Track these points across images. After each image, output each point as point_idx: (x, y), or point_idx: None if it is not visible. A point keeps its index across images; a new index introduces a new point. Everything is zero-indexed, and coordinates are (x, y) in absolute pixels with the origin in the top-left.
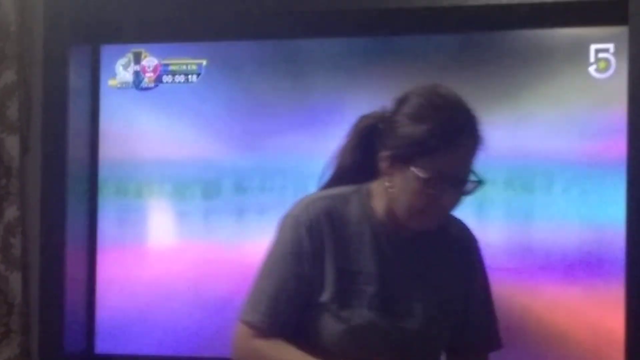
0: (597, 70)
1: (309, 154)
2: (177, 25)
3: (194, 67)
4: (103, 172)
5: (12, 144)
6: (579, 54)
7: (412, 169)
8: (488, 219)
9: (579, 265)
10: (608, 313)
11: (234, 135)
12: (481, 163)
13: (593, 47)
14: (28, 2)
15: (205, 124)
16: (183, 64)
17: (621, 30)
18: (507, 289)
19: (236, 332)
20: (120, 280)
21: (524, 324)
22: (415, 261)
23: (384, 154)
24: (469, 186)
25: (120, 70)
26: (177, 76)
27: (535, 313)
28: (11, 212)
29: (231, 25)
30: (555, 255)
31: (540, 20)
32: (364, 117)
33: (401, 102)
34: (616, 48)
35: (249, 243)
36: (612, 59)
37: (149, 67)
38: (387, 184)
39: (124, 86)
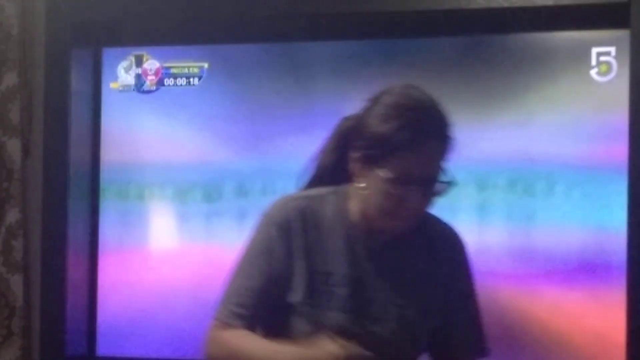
0: (599, 73)
1: (311, 156)
2: (179, 28)
3: (196, 70)
4: (104, 175)
5: (14, 147)
6: (580, 57)
7: (379, 169)
8: (489, 222)
9: (581, 269)
10: (609, 317)
11: (236, 138)
12: (483, 166)
13: (594, 51)
14: (30, 5)
15: (207, 127)
16: (185, 67)
17: (623, 34)
18: (508, 293)
19: (208, 328)
20: (122, 283)
21: (525, 328)
22: (391, 265)
23: (354, 155)
24: (439, 187)
25: (122, 73)
26: (178, 79)
27: (536, 317)
28: (13, 215)
29: (233, 28)
30: (557, 259)
31: (542, 23)
32: (345, 119)
33: (372, 102)
34: (618, 51)
35: None
36: (614, 62)
37: (150, 70)
38: (358, 185)
39: (125, 89)
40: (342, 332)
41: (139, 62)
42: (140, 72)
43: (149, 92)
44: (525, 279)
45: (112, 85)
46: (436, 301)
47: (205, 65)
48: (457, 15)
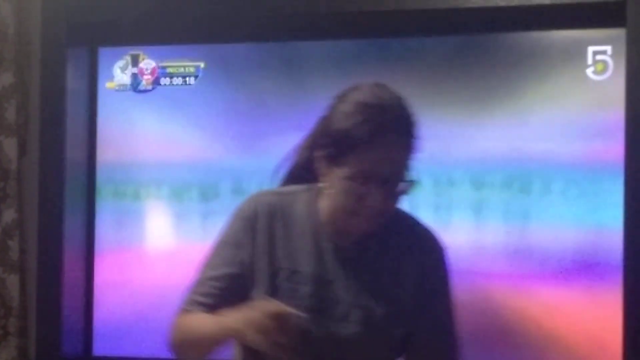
0: (595, 72)
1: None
2: (175, 28)
3: (192, 69)
4: (101, 174)
5: (10, 146)
6: (576, 56)
7: (339, 168)
8: (485, 221)
9: (577, 268)
10: (605, 316)
11: (232, 138)
12: (479, 164)
13: (591, 49)
14: (25, 5)
15: (203, 127)
16: (181, 66)
17: (619, 33)
18: (504, 292)
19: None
20: (118, 282)
21: (521, 327)
22: (358, 265)
23: (318, 153)
24: (401, 187)
25: (117, 72)
26: (174, 78)
27: (532, 316)
28: (9, 215)
29: (229, 28)
30: (553, 258)
31: (538, 22)
32: (321, 117)
33: (338, 99)
34: (614, 50)
35: None
36: (610, 61)
37: (146, 70)
38: (323, 184)
39: (121, 89)
40: (303, 332)
41: (134, 61)
42: (136, 71)
43: (145, 91)
44: (521, 277)
45: (108, 84)
46: (405, 305)
47: (201, 64)
48: (453, 14)
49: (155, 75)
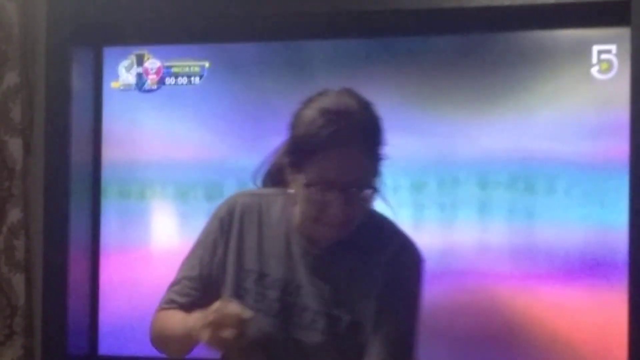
0: (600, 71)
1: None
2: (180, 27)
3: (197, 69)
4: (106, 174)
5: (15, 146)
6: (581, 55)
7: (300, 174)
8: (490, 220)
9: (582, 267)
10: (611, 315)
11: (237, 137)
12: (484, 164)
13: (595, 48)
14: (31, 4)
15: (208, 126)
16: (186, 66)
17: (624, 32)
18: (509, 291)
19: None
20: (124, 281)
21: (526, 326)
22: (326, 273)
23: (283, 160)
24: (365, 195)
25: (122, 72)
26: (179, 78)
27: (538, 315)
28: (14, 214)
29: (234, 27)
30: (558, 257)
31: (543, 21)
32: None
33: (303, 105)
34: (618, 49)
35: None
36: (615, 60)
37: (151, 69)
38: (290, 191)
39: (126, 88)
40: (264, 336)
41: (139, 61)
42: (141, 71)
43: (150, 91)
44: (526, 276)
45: (113, 84)
46: (369, 315)
47: (206, 64)
48: (458, 14)
49: (160, 74)
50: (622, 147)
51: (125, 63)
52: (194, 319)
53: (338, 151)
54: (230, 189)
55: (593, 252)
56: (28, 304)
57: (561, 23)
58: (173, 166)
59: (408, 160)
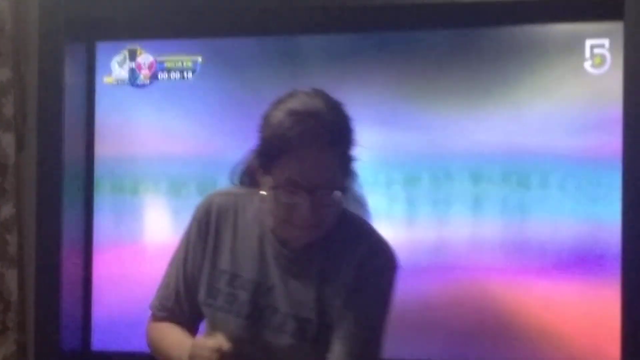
0: (593, 65)
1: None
2: (173, 22)
3: (190, 64)
4: (99, 169)
5: (8, 141)
6: (574, 49)
7: (268, 176)
8: (483, 215)
9: (575, 262)
10: (604, 309)
11: (230, 132)
12: (477, 159)
13: (588, 43)
14: (23, 0)
15: (201, 121)
16: (178, 60)
17: (616, 26)
18: (502, 286)
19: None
20: (117, 277)
21: (519, 321)
22: (298, 275)
23: (254, 162)
24: (333, 196)
25: (115, 67)
26: (172, 73)
27: (530, 310)
28: (7, 210)
29: (226, 22)
30: (551, 252)
31: (536, 15)
32: None
33: (272, 105)
34: (611, 43)
35: None
36: (608, 55)
37: (144, 64)
38: (262, 192)
39: (119, 83)
40: (234, 337)
41: (132, 56)
42: (134, 66)
43: (143, 86)
44: (519, 271)
45: (106, 79)
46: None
47: (199, 59)
48: (451, 8)
49: (153, 69)
50: (615, 142)
51: (117, 58)
52: (179, 353)
53: (305, 152)
54: (222, 184)
55: (586, 247)
56: (21, 299)
57: (554, 17)
58: (166, 161)
59: (401, 155)
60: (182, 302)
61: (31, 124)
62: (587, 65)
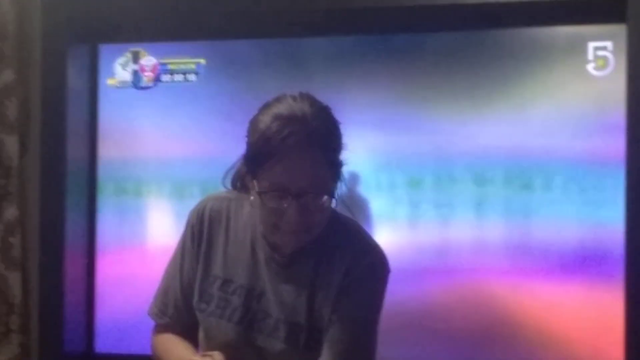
0: (596, 68)
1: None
2: (176, 25)
3: (193, 66)
4: (102, 171)
5: (11, 143)
6: (577, 51)
7: (255, 181)
8: (487, 217)
9: (578, 264)
10: (607, 312)
11: (233, 134)
12: (480, 161)
13: (591, 45)
14: (26, 2)
15: (204, 123)
16: (182, 63)
17: (619, 28)
18: (505, 288)
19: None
20: (120, 279)
21: (523, 323)
22: (290, 280)
23: (242, 167)
24: (321, 201)
25: (118, 69)
26: (175, 75)
27: (533, 312)
28: (10, 212)
29: (230, 25)
30: (554, 254)
31: (539, 18)
32: None
33: (259, 110)
34: (614, 46)
35: None
36: (611, 57)
37: (147, 67)
38: (250, 198)
39: (122, 85)
40: (226, 342)
41: (135, 58)
42: (137, 68)
43: (146, 88)
44: (522, 273)
45: (109, 81)
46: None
47: (202, 61)
48: (454, 11)
49: (156, 72)
50: (618, 144)
51: (121, 60)
52: None
53: (292, 157)
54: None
55: (589, 250)
56: (24, 301)
57: (557, 20)
58: (169, 163)
59: (404, 158)
60: (181, 308)
61: (34, 126)
62: (590, 67)
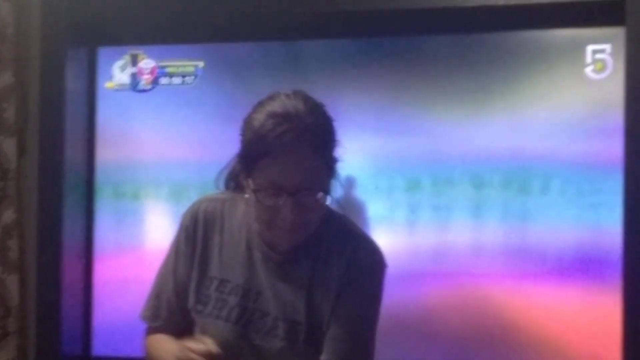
0: (594, 71)
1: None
2: (174, 27)
3: (191, 69)
4: (100, 174)
5: (9, 146)
6: (575, 54)
7: (249, 179)
8: (485, 220)
9: (576, 267)
10: (605, 315)
11: (231, 137)
12: (478, 164)
13: (590, 48)
14: (25, 5)
15: (202, 126)
16: (180, 65)
17: (618, 31)
18: (502, 291)
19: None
20: (117, 282)
21: (520, 327)
22: (287, 278)
23: (237, 165)
24: (316, 198)
25: (117, 72)
26: (174, 78)
27: (531, 315)
28: (8, 215)
29: (228, 27)
30: (552, 257)
31: (537, 21)
32: None
33: (253, 108)
34: (613, 49)
35: None
36: (609, 60)
37: (145, 69)
38: (246, 196)
39: (121, 88)
40: (223, 342)
41: (134, 61)
42: (135, 71)
43: (145, 91)
44: (520, 277)
45: (108, 84)
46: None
47: (201, 64)
48: (453, 13)
49: (155, 74)
50: (616, 147)
51: (119, 63)
52: (168, 355)
53: (286, 154)
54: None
55: (587, 253)
56: (22, 304)
57: (555, 23)
58: (167, 166)
59: (402, 161)
60: (175, 310)
61: (33, 128)
62: (589, 70)
